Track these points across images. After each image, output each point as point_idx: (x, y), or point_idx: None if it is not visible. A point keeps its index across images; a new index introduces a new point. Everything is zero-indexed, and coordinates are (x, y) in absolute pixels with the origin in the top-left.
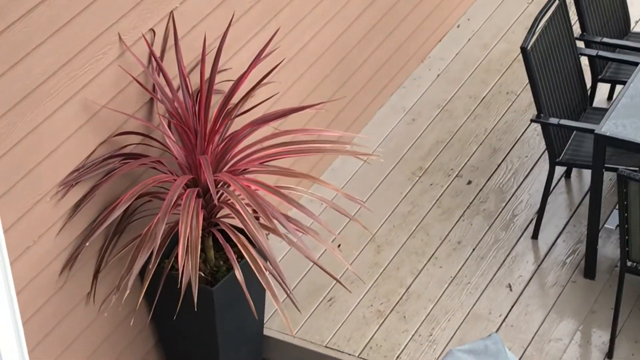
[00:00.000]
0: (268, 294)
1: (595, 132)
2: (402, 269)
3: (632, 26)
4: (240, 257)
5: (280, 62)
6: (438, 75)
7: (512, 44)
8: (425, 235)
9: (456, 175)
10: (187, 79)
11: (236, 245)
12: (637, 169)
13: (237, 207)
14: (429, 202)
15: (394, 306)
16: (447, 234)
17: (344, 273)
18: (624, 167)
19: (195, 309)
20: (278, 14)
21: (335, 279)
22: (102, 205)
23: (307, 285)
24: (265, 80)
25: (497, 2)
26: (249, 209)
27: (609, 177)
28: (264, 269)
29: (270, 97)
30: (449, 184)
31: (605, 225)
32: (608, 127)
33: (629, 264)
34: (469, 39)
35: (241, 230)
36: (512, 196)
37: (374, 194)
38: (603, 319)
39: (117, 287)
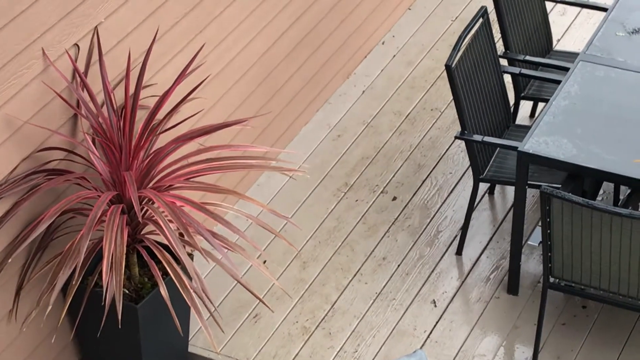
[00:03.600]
0: (192, 311)
1: (518, 149)
2: (327, 285)
3: (554, 44)
4: (165, 273)
5: (205, 79)
6: (363, 91)
7: (436, 61)
8: (351, 251)
9: (381, 192)
10: (112, 95)
11: (161, 262)
12: (559, 186)
13: (161, 223)
14: (355, 218)
15: (320, 322)
16: (373, 250)
17: (270, 289)
18: (547, 184)
19: (120, 326)
20: (204, 30)
21: (258, 298)
22: (25, 222)
23: (232, 301)
24: (190, 96)
25: (422, 19)
26: (173, 226)
27: (531, 194)
28: (188, 286)
29: (196, 114)
30: (374, 200)
31: (529, 242)
32: (531, 145)
33: (551, 280)
34: (394, 56)
35: (166, 247)
36: (436, 212)
37: (300, 209)
38: (526, 334)
39: (37, 304)
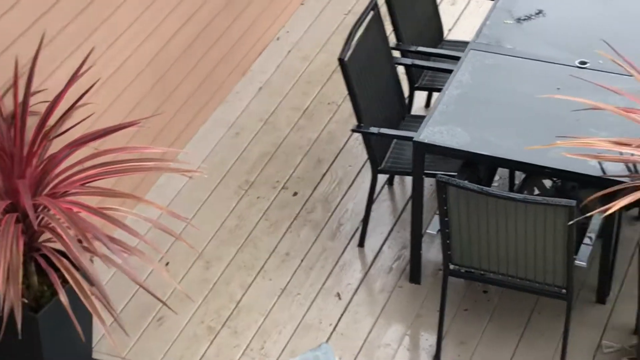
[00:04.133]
0: (95, 317)
1: (413, 139)
2: (231, 284)
3: (445, 34)
4: (65, 281)
5: (95, 82)
6: (260, 88)
7: (331, 55)
8: (254, 248)
9: (282, 187)
10: (1, 102)
11: (60, 270)
12: (455, 174)
13: (58, 230)
14: (256, 216)
15: (225, 321)
16: (276, 247)
17: (173, 292)
18: (442, 173)
19: (20, 337)
20: (94, 33)
21: (161, 301)
22: None
23: (136, 305)
24: (83, 100)
25: (316, 14)
26: (71, 232)
27: (429, 183)
28: (89, 293)
29: (89, 117)
30: (276, 197)
31: (428, 231)
32: (426, 134)
33: (451, 267)
34: (289, 51)
35: (65, 254)
36: (337, 205)
37: (201, 209)
38: (430, 322)
39: None
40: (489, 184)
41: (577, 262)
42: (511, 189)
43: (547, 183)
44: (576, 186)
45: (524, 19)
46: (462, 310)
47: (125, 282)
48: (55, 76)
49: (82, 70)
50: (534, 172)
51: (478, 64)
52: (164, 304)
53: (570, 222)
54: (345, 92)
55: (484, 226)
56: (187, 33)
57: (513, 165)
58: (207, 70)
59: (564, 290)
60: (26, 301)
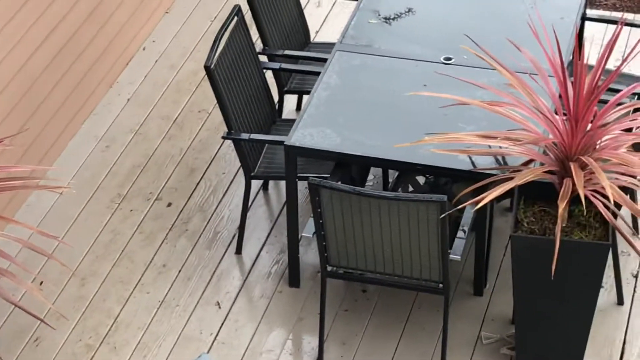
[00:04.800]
0: None
1: (284, 143)
2: (108, 300)
3: (312, 37)
4: None
5: None
6: (128, 99)
7: (199, 63)
8: (130, 262)
9: (156, 199)
10: None
11: None
12: (328, 175)
13: None
14: (131, 229)
15: (104, 338)
16: (152, 259)
17: (49, 311)
18: (314, 175)
19: None
20: None
21: (38, 318)
22: None
23: (11, 326)
24: None
25: (181, 22)
26: None
27: (304, 186)
28: None
29: None
30: (149, 208)
31: (304, 234)
32: (297, 138)
33: (329, 269)
34: (156, 61)
35: None
36: (213, 214)
37: (74, 225)
38: (311, 324)
39: None
40: (362, 184)
41: (451, 256)
42: (385, 188)
43: (421, 180)
44: (449, 181)
45: (392, 18)
46: (343, 310)
47: None
48: None
49: None
50: (406, 170)
51: (345, 64)
52: (42, 320)
53: (442, 216)
54: (215, 99)
55: (359, 226)
56: (51, 46)
57: (384, 164)
58: (74, 82)
59: (440, 285)
60: None
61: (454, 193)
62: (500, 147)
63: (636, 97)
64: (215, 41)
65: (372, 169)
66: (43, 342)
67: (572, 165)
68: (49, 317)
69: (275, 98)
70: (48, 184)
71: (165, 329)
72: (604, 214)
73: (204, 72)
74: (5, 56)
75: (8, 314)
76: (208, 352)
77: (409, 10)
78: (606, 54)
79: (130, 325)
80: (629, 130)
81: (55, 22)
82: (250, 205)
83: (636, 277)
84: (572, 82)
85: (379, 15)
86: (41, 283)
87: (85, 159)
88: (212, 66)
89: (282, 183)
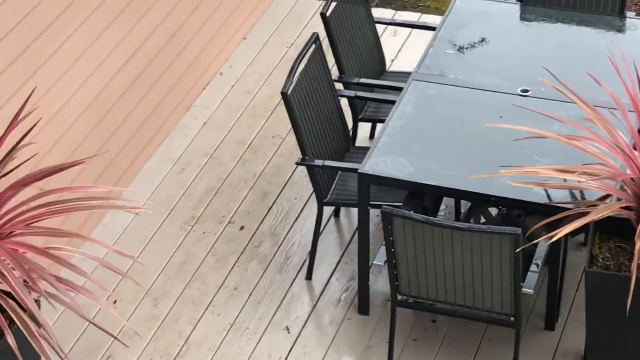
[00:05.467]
0: (43, 358)
1: (358, 171)
2: (180, 320)
3: (388, 65)
4: (11, 322)
5: (36, 123)
6: (204, 123)
7: (275, 89)
8: (202, 284)
9: (229, 222)
10: None
11: (6, 311)
12: (400, 204)
13: (4, 272)
14: (204, 251)
15: (174, 358)
16: (223, 281)
17: (122, 329)
18: (387, 204)
19: None
20: (36, 73)
21: (112, 335)
22: None
23: (84, 343)
24: (26, 140)
25: (258, 48)
26: (16, 273)
27: (376, 214)
28: (36, 334)
29: (32, 157)
30: (222, 231)
31: (375, 262)
32: (370, 166)
33: (399, 297)
34: (233, 86)
35: (11, 295)
36: (284, 238)
37: (148, 246)
38: (379, 353)
39: None
40: (435, 214)
41: (524, 289)
42: (457, 218)
43: (493, 211)
44: (522, 214)
45: (466, 48)
46: (412, 340)
47: (73, 321)
48: None
49: (24, 112)
50: (480, 201)
51: (420, 94)
52: (115, 337)
53: (517, 250)
54: (290, 125)
55: (431, 256)
56: (130, 70)
57: (458, 195)
58: (151, 106)
59: (512, 318)
60: None
61: (527, 226)
62: (577, 182)
63: None
64: (292, 67)
65: (444, 198)
66: (115, 359)
67: None
68: (122, 336)
69: (350, 125)
70: (124, 204)
71: (235, 351)
72: None
73: (279, 98)
74: (86, 79)
75: (82, 331)
76: None
77: (483, 40)
78: None
79: (201, 347)
80: None
81: (135, 47)
82: (322, 231)
83: None
84: None
85: (454, 45)
86: (115, 302)
87: (161, 181)
88: (289, 92)
89: (354, 210)
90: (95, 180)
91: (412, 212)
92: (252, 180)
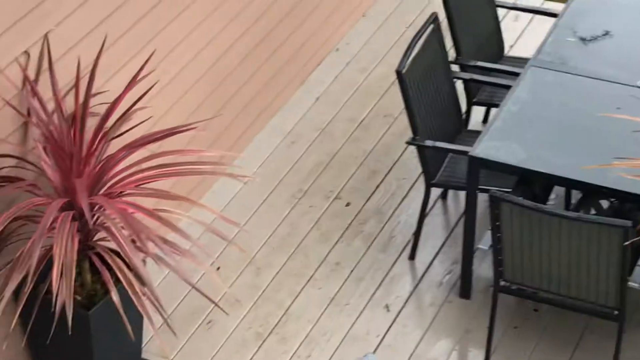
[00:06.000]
0: (145, 318)
1: (469, 154)
2: (281, 291)
3: (506, 50)
4: (117, 280)
5: (153, 85)
6: (317, 98)
7: (390, 68)
8: (304, 257)
9: (335, 198)
10: (62, 102)
11: (113, 269)
12: (509, 190)
13: (113, 230)
14: (308, 224)
15: (273, 328)
16: (326, 256)
17: (223, 296)
18: (497, 188)
19: (70, 333)
20: (155, 37)
21: (213, 302)
22: None
23: (186, 307)
24: (142, 104)
25: (376, 26)
26: (125, 233)
27: (483, 199)
28: (140, 293)
29: (147, 120)
30: (328, 206)
31: (480, 246)
32: (481, 149)
33: (502, 283)
34: (348, 63)
35: (118, 254)
36: (390, 217)
37: (254, 216)
38: (478, 338)
39: None
40: (544, 202)
41: (630, 283)
42: (567, 208)
43: (605, 204)
44: (634, 207)
45: (587, 37)
46: (512, 327)
47: (176, 285)
48: (115, 78)
49: (142, 74)
50: (591, 192)
51: (538, 80)
52: (216, 304)
53: (626, 243)
54: (402, 104)
55: (537, 244)
56: (247, 41)
57: (569, 184)
58: (266, 78)
59: (616, 312)
60: (79, 298)
61: (638, 220)
62: None
63: None
64: (409, 46)
65: (555, 187)
66: (215, 325)
67: None
68: (223, 302)
69: (463, 108)
70: (234, 172)
71: (334, 325)
72: None
73: (394, 77)
74: (204, 47)
75: (184, 295)
76: (373, 353)
77: (607, 33)
78: None
79: (300, 318)
80: None
81: (253, 19)
82: (428, 213)
83: None
84: None
85: (576, 34)
86: (218, 268)
87: (271, 153)
88: (404, 71)
89: (461, 193)
90: (207, 148)
91: (521, 198)
92: (361, 157)
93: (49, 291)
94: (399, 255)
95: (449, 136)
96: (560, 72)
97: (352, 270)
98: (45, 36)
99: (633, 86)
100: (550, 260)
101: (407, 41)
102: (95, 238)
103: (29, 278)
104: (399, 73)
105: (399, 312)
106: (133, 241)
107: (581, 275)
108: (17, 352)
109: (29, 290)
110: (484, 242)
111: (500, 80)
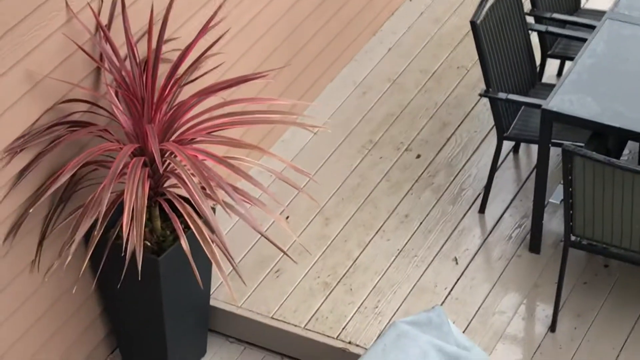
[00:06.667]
0: (214, 264)
1: (542, 107)
2: (349, 242)
3: (582, 3)
4: (187, 227)
5: (225, 32)
6: (389, 49)
7: (464, 19)
8: (374, 208)
9: (405, 149)
10: (135, 48)
11: (183, 215)
12: (582, 144)
13: (183, 176)
14: (378, 176)
15: (341, 278)
16: (395, 208)
17: (292, 245)
18: (570, 142)
19: (140, 278)
20: None
21: (282, 250)
22: (47, 173)
23: (254, 256)
24: (214, 51)
25: None
26: (195, 180)
27: (556, 153)
28: (210, 240)
29: (218, 67)
30: (398, 158)
31: (551, 200)
32: (555, 103)
33: (572, 238)
34: (421, 13)
35: (188, 200)
36: (460, 170)
37: (324, 166)
38: (547, 293)
39: (59, 254)
40: (617, 157)
41: None
42: None
43: None
44: None
45: None
46: (582, 283)
47: (245, 233)
48: (188, 25)
49: (214, 21)
50: None
51: (614, 34)
52: (285, 253)
53: None
54: (475, 57)
55: (609, 199)
56: None
57: None
58: (338, 28)
59: None
60: (149, 244)
61: None
62: None
63: None
64: None
65: (629, 143)
66: (283, 274)
67: None
68: (291, 251)
69: (537, 61)
70: (305, 121)
71: (402, 277)
72: None
73: (468, 29)
74: None
75: (253, 243)
76: (441, 305)
77: None
78: None
79: (368, 269)
80: None
81: None
82: (499, 167)
83: None
84: None
85: None
86: (287, 217)
87: (342, 103)
88: (479, 22)
89: (533, 147)
90: (278, 96)
91: (594, 152)
92: (432, 109)
93: (119, 236)
94: (469, 208)
95: (522, 89)
96: (637, 25)
97: (421, 223)
98: None
99: None
100: (622, 216)
101: None
102: (166, 185)
103: (99, 223)
104: (473, 24)
105: (468, 265)
106: (203, 188)
107: None
108: (87, 297)
109: (99, 235)
110: (555, 196)
111: (575, 33)
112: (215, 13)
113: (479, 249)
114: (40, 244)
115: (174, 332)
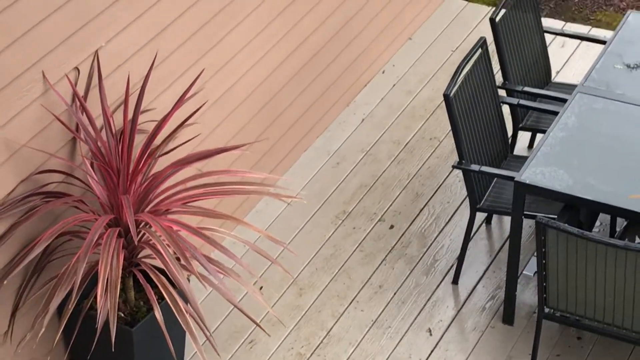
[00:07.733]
0: (188, 335)
1: (515, 179)
2: (323, 312)
3: (553, 76)
4: (161, 297)
5: (202, 104)
6: (363, 119)
7: (436, 91)
8: (347, 278)
9: (379, 220)
10: (111, 119)
11: (157, 286)
12: (555, 216)
13: (158, 247)
14: (352, 246)
15: (315, 349)
16: (369, 278)
17: (265, 316)
18: (543, 215)
19: (113, 349)
20: (204, 56)
21: (255, 322)
22: (21, 243)
23: (228, 326)
24: (189, 122)
25: (422, 49)
26: (170, 250)
27: (528, 224)
28: (184, 310)
29: (194, 138)
30: (372, 228)
31: (524, 272)
32: (528, 175)
33: (546, 310)
34: (394, 85)
35: (162, 271)
36: (433, 241)
37: (298, 236)
38: None
39: (32, 326)
40: (589, 229)
41: None
42: (612, 236)
43: None
44: None
45: (636, 65)
46: (555, 355)
47: (219, 303)
48: (164, 96)
49: (190, 92)
50: (637, 220)
51: (585, 107)
52: (258, 325)
53: None
54: (448, 128)
55: (582, 271)
56: (294, 62)
57: (615, 212)
58: (312, 99)
59: None
60: (123, 315)
61: None
62: None
63: None
64: (457, 70)
65: (600, 215)
66: (257, 344)
67: None
68: (265, 322)
69: (509, 133)
70: (279, 192)
71: (376, 348)
72: None
73: (440, 100)
74: (251, 67)
75: (227, 313)
76: None
77: None
78: None
79: (341, 340)
80: None
81: (300, 40)
82: (472, 237)
83: None
84: None
85: (623, 61)
86: (261, 288)
87: (316, 173)
88: (451, 94)
89: (506, 218)
90: (253, 166)
91: (566, 225)
92: (405, 180)
93: (92, 307)
94: (442, 279)
95: (495, 161)
96: (608, 99)
97: (394, 293)
98: (96, 53)
99: None
100: (596, 288)
101: (452, 65)
102: (140, 255)
103: (74, 294)
104: (446, 96)
105: (442, 336)
106: (178, 259)
107: (626, 304)
108: None
109: (72, 306)
110: (528, 268)
111: (546, 106)
112: (192, 84)
113: (452, 320)
114: (12, 315)
115: None
